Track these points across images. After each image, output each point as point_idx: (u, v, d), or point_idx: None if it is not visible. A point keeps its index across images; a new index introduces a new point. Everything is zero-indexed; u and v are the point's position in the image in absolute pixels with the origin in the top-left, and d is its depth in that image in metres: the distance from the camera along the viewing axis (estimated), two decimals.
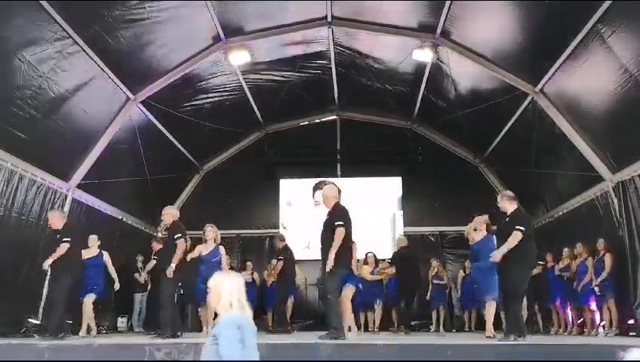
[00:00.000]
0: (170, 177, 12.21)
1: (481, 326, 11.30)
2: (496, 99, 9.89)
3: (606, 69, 7.51)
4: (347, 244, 6.15)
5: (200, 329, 8.51)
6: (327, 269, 5.91)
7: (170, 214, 7.50)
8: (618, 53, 7.15)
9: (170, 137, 11.41)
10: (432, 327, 10.94)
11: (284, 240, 10.31)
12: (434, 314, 11.04)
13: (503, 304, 6.70)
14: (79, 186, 9.26)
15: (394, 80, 11.33)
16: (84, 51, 7.89)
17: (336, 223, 6.04)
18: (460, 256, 12.64)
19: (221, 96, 11.16)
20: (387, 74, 11.14)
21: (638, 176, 7.87)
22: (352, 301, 7.65)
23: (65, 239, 6.91)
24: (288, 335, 8.88)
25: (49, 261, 6.85)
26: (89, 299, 8.07)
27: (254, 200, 13.34)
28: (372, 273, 10.36)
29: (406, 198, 13.28)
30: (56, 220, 7.18)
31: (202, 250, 7.97)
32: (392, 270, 10.05)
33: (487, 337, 6.81)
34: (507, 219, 6.26)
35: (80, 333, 7.93)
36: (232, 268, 11.73)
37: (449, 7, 8.60)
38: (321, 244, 6.23)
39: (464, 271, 11.44)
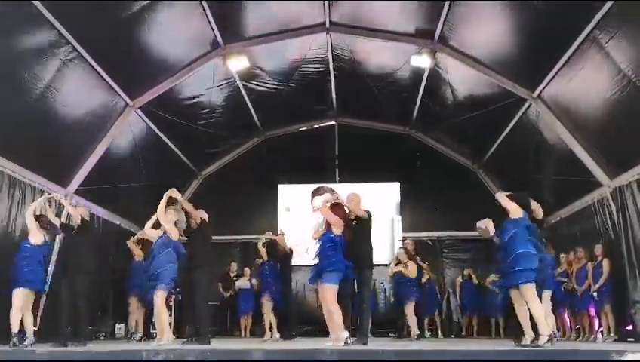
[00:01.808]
0: (168, 183, 12.16)
1: (482, 331, 11.35)
2: (494, 105, 9.90)
3: (603, 74, 7.53)
4: (371, 246, 6.50)
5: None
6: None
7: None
8: (615, 59, 7.18)
9: (169, 143, 11.41)
10: (427, 334, 10.92)
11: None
12: (426, 320, 10.99)
13: None
14: (77, 192, 9.23)
15: (392, 86, 11.35)
16: (83, 57, 7.91)
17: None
18: (458, 260, 12.68)
19: (219, 101, 11.17)
20: (385, 80, 11.16)
21: (636, 181, 7.88)
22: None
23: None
24: (291, 341, 8.78)
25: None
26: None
27: (253, 206, 13.32)
28: None
29: (404, 204, 13.29)
30: (79, 213, 7.16)
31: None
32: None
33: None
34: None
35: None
36: (236, 276, 11.70)
37: (447, 13, 8.64)
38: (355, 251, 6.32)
39: (462, 277, 11.57)
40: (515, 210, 5.83)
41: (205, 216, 7.11)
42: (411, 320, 9.20)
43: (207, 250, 6.99)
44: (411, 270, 9.69)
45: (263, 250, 9.26)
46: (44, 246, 6.81)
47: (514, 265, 5.64)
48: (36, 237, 6.73)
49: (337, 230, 5.87)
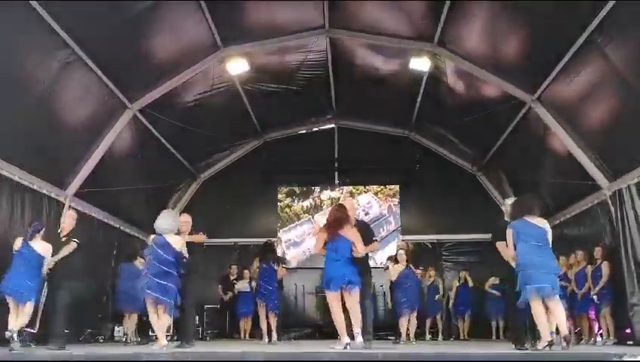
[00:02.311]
0: (167, 185, 12.20)
1: (475, 334, 11.35)
2: (494, 108, 9.91)
3: (603, 77, 7.55)
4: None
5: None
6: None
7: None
8: (615, 62, 7.19)
9: (168, 145, 11.40)
10: (428, 337, 10.93)
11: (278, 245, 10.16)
12: (427, 323, 11.02)
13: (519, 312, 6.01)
14: (76, 194, 9.21)
15: (391, 88, 11.34)
16: (83, 60, 7.90)
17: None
18: (458, 263, 12.68)
19: (219, 104, 11.16)
20: (385, 82, 11.16)
21: (635, 184, 7.88)
22: None
23: (74, 239, 6.86)
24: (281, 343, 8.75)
25: (54, 259, 6.66)
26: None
27: (252, 209, 13.33)
28: None
29: (404, 206, 13.29)
30: (70, 221, 7.13)
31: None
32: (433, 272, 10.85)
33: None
34: None
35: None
36: (236, 278, 11.65)
37: (446, 16, 8.64)
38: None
39: (459, 281, 11.61)
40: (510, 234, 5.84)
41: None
42: (412, 326, 9.15)
43: (199, 255, 7.02)
44: (422, 273, 9.67)
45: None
46: (24, 252, 6.45)
47: (518, 270, 5.65)
48: (15, 243, 6.60)
49: (328, 237, 5.88)
